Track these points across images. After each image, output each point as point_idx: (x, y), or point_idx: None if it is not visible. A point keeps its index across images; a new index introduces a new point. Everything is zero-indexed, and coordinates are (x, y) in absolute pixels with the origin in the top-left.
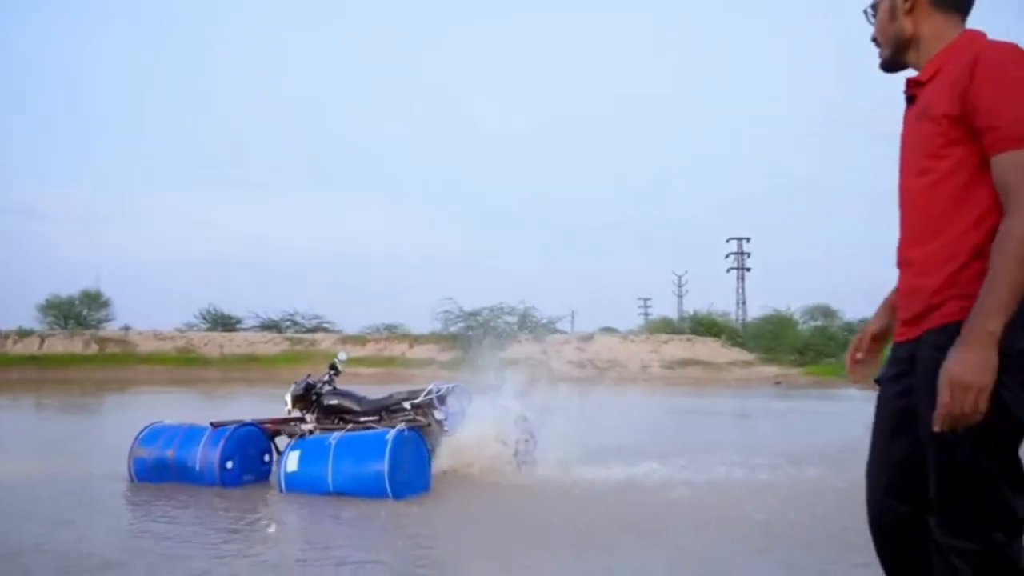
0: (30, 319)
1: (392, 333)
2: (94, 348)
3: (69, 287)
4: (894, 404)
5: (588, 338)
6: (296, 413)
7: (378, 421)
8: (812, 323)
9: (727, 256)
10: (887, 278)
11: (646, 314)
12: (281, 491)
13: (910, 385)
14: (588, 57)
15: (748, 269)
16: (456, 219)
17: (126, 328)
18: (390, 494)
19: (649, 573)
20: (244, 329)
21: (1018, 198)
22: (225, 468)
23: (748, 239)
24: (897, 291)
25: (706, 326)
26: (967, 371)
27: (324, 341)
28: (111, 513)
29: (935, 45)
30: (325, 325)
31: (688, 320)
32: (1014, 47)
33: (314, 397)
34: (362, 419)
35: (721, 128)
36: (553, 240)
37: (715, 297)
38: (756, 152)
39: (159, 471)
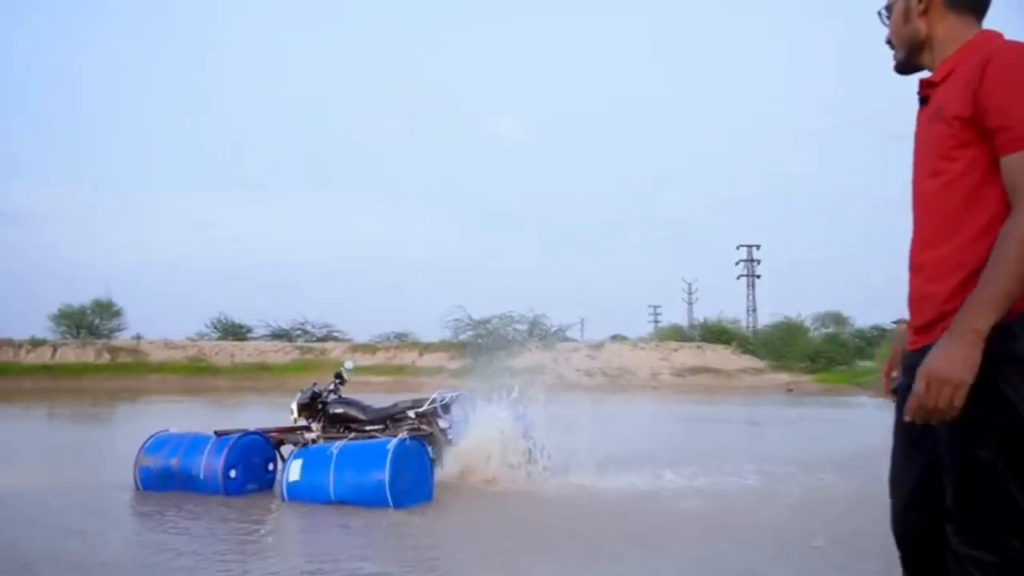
0: (43, 328)
1: (402, 341)
2: (106, 357)
3: (76, 291)
4: None
5: (598, 346)
6: (302, 422)
7: (383, 430)
8: (823, 330)
9: (737, 263)
10: (899, 284)
11: (656, 321)
12: (283, 500)
13: None
14: (589, 56)
15: (758, 276)
16: (458, 219)
17: (138, 337)
18: (391, 503)
19: None
20: (255, 338)
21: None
22: (229, 477)
23: (758, 246)
24: (908, 297)
25: (716, 333)
26: (947, 365)
27: (334, 350)
28: (119, 522)
29: (949, 46)
30: (335, 334)
31: (698, 327)
32: None
33: (320, 406)
34: (367, 428)
35: (725, 129)
36: (559, 243)
37: (725, 304)
38: (762, 155)
39: (164, 480)
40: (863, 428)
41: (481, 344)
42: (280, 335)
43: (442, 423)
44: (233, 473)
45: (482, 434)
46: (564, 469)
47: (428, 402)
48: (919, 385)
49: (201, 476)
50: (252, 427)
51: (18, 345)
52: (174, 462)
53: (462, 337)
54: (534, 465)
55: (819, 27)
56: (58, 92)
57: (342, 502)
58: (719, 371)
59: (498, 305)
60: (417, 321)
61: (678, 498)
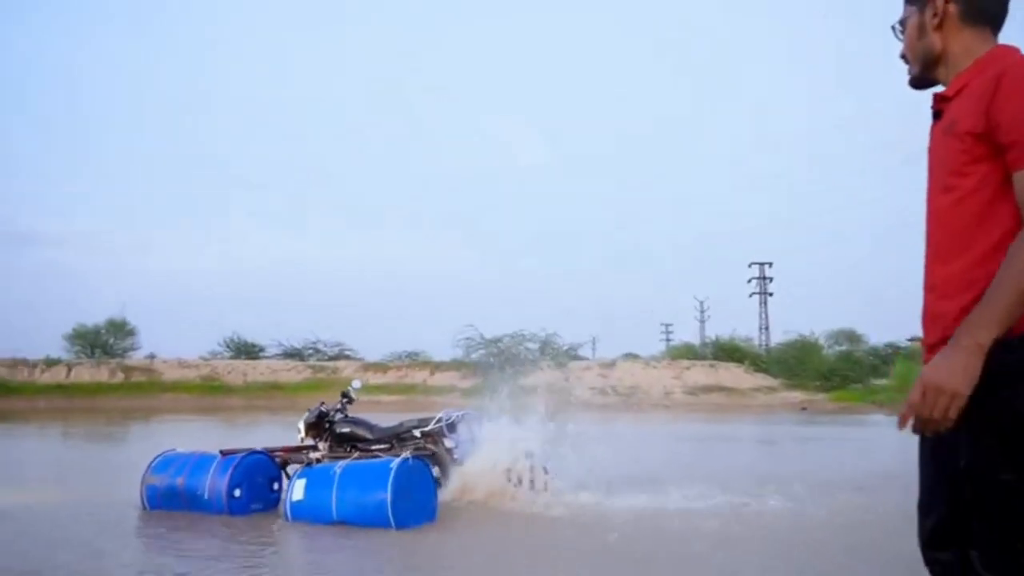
0: (57, 348)
1: (414, 360)
2: (120, 377)
3: (90, 311)
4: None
5: (610, 364)
6: (309, 441)
7: (389, 449)
8: (837, 348)
9: (749, 281)
10: (913, 301)
11: (668, 340)
12: (287, 520)
13: None
14: (589, 58)
15: (771, 294)
16: (471, 238)
17: (151, 356)
18: (393, 523)
19: None
20: (267, 357)
21: None
22: (233, 496)
23: (770, 263)
24: (922, 315)
25: (729, 351)
26: (944, 375)
27: (346, 369)
28: (126, 542)
29: (964, 61)
30: (347, 352)
31: (711, 345)
32: None
33: (327, 425)
34: (373, 447)
35: (737, 146)
36: (570, 261)
37: (738, 322)
38: (773, 171)
39: (170, 499)
40: (879, 447)
41: (493, 363)
42: (292, 354)
43: (448, 442)
44: (238, 492)
45: (488, 453)
46: (573, 489)
47: (434, 421)
48: (914, 394)
49: (206, 495)
50: (261, 446)
51: (33, 365)
52: (179, 481)
53: (474, 356)
54: (540, 485)
55: (848, 46)
56: (58, 92)
57: (344, 522)
58: (732, 390)
59: (510, 324)
60: (429, 340)
61: (687, 518)
